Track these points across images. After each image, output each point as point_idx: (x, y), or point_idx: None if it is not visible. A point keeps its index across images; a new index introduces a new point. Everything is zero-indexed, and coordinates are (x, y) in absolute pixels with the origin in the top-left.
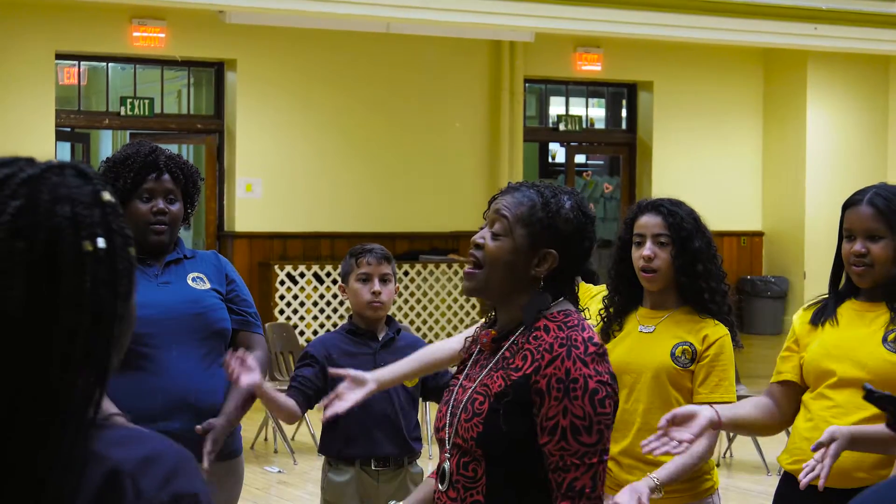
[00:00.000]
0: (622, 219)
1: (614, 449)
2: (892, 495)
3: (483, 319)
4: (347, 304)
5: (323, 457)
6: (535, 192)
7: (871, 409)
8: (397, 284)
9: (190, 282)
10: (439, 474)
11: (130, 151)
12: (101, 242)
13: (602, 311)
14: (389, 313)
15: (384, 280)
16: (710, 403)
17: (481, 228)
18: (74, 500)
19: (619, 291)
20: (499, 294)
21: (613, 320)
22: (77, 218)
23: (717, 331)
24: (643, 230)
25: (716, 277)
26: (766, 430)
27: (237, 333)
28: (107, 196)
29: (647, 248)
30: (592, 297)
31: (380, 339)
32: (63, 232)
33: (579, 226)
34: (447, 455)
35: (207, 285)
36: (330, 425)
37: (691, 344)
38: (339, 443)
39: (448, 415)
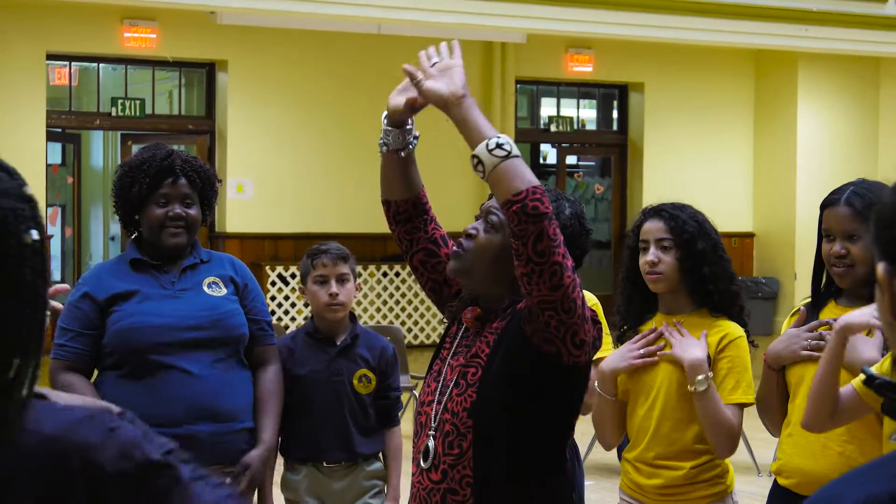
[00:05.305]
0: (613, 219)
1: (630, 454)
2: (832, 491)
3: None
4: None
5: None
6: None
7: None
8: (358, 282)
9: (206, 288)
10: (423, 452)
11: (146, 156)
12: (35, 235)
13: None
14: (379, 314)
15: (342, 280)
16: (729, 405)
17: (476, 219)
18: (14, 476)
19: (633, 300)
20: (481, 283)
21: (631, 328)
22: (17, 211)
23: (732, 331)
24: (647, 236)
25: (724, 279)
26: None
27: (252, 346)
28: (30, 191)
29: (651, 254)
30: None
31: (337, 343)
32: (8, 225)
33: (574, 234)
34: (430, 434)
35: (224, 291)
36: (285, 429)
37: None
38: (291, 446)
39: (436, 392)
